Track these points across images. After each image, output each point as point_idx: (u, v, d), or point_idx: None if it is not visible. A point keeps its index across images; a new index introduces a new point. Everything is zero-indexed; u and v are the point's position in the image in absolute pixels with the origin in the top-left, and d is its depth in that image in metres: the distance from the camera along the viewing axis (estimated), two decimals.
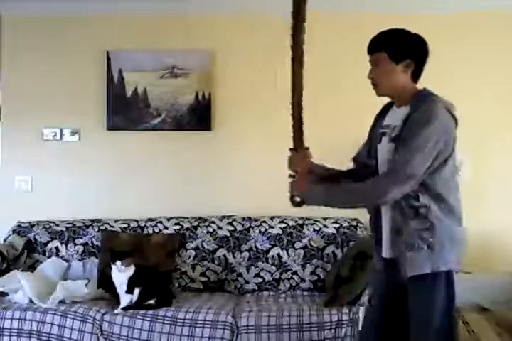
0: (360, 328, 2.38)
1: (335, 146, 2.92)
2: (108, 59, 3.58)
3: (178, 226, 3.40)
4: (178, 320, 2.69)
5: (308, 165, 2.03)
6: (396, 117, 1.88)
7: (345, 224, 3.33)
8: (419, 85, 1.91)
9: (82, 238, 3.39)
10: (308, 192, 1.95)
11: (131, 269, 2.87)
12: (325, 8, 3.12)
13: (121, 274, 2.86)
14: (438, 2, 3.44)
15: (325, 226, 3.33)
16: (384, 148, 1.91)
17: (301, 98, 1.97)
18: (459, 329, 1.89)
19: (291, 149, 2.04)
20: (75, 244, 3.38)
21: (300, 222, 3.36)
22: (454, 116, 1.83)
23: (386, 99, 2.00)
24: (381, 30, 1.90)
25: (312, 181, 2.01)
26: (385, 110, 2.00)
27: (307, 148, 2.04)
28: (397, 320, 1.96)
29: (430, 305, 1.82)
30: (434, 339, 1.83)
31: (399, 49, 1.86)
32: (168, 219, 3.45)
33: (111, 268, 2.90)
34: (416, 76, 1.90)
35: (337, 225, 3.33)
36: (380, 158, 1.94)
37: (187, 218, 3.45)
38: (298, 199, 2.00)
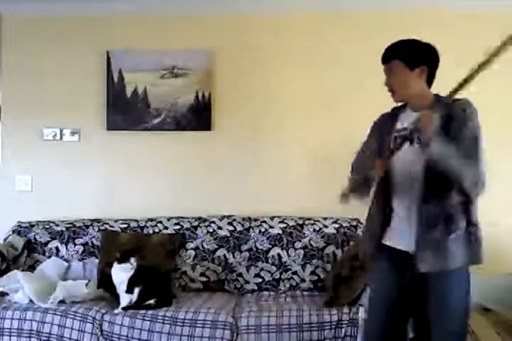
0: (365, 328, 2.37)
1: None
2: (108, 59, 3.58)
3: (178, 226, 3.40)
4: (178, 320, 2.69)
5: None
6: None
7: (345, 224, 3.33)
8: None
9: (82, 238, 3.39)
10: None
11: (133, 269, 2.87)
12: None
13: (122, 274, 2.86)
14: None
15: (325, 226, 3.33)
16: (409, 151, 1.90)
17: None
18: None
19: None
20: (75, 244, 3.38)
21: (300, 221, 3.36)
22: None
23: None
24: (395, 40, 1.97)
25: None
26: (391, 116, 2.03)
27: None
28: (403, 320, 2.02)
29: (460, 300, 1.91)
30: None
31: (413, 56, 1.93)
32: (168, 219, 3.45)
33: (111, 268, 2.90)
34: (430, 81, 1.97)
35: (337, 225, 3.33)
36: (399, 163, 1.93)
37: (187, 218, 3.45)
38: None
